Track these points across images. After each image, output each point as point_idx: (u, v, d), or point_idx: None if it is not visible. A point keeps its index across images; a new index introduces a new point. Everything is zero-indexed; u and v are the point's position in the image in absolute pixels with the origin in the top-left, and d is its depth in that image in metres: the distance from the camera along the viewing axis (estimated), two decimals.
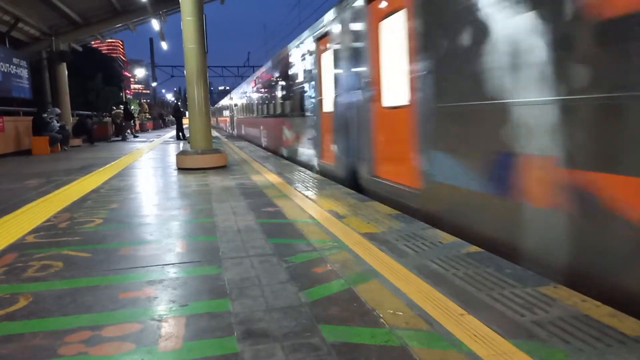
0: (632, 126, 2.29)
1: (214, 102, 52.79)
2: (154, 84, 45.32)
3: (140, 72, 59.33)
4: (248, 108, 19.95)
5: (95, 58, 39.46)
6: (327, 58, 7.66)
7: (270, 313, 2.17)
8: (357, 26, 6.16)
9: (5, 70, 14.53)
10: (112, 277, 2.74)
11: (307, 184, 6.18)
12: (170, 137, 21.87)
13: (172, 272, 2.80)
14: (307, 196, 5.25)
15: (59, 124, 14.68)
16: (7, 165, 10.38)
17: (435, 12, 4.12)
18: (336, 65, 7.14)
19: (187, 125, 10.63)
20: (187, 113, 9.10)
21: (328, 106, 7.69)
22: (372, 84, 5.74)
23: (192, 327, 2.05)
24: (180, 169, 8.26)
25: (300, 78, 9.75)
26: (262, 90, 15.48)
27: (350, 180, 6.47)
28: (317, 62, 8.34)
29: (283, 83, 11.77)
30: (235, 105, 25.71)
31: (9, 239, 3.69)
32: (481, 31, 3.35)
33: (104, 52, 59.24)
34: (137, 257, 3.15)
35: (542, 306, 2.16)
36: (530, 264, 2.88)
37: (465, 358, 1.74)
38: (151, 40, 42.61)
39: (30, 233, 3.88)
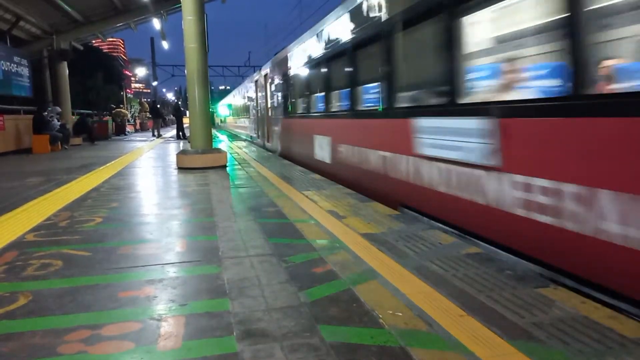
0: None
1: (214, 101, 53.19)
2: (154, 83, 45.20)
3: (141, 71, 59.17)
4: (229, 111, 33.92)
5: (96, 57, 39.46)
6: (257, 90, 16.72)
7: (269, 313, 2.17)
8: (262, 81, 15.15)
9: (6, 69, 14.53)
10: (111, 276, 2.74)
11: (307, 184, 6.18)
12: (170, 137, 21.87)
13: (171, 272, 2.80)
14: (307, 196, 5.25)
15: (59, 123, 14.68)
16: (8, 163, 10.38)
17: (264, 88, 15.04)
18: (259, 95, 16.29)
19: (187, 125, 10.88)
20: (187, 112, 9.19)
21: (257, 113, 17.02)
22: (266, 104, 14.58)
23: (191, 327, 2.05)
24: (180, 169, 8.26)
25: (249, 98, 19.48)
26: (234, 102, 28.50)
27: (263, 146, 14.93)
28: (255, 91, 17.22)
29: (243, 99, 22.80)
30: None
31: (9, 237, 3.69)
32: (268, 96, 14.35)
33: (104, 51, 59.22)
34: (136, 256, 3.16)
35: (541, 308, 2.16)
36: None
37: (464, 359, 1.74)
38: (152, 39, 42.48)
39: (30, 231, 3.88)
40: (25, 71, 16.04)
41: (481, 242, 3.58)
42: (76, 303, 2.35)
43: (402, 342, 1.87)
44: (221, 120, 42.24)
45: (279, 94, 12.18)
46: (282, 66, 11.56)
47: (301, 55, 9.54)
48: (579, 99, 2.72)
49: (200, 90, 8.36)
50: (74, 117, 18.56)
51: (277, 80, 12.43)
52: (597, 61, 2.80)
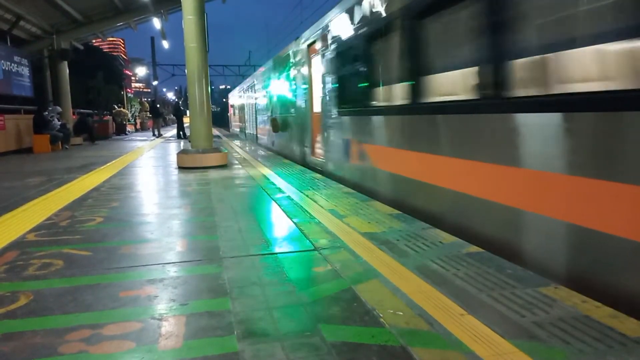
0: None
1: (215, 100, 53.67)
2: (155, 83, 45.14)
3: (141, 71, 59.11)
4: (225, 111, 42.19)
5: (97, 56, 39.40)
6: (241, 96, 25.06)
7: (270, 312, 2.17)
8: (235, 94, 29.58)
9: (7, 69, 14.52)
10: (112, 276, 2.74)
11: (308, 184, 6.18)
12: (170, 136, 21.88)
13: (172, 271, 2.80)
14: (308, 196, 5.25)
15: (60, 122, 14.68)
16: (8, 163, 10.38)
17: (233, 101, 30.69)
18: (240, 99, 25.30)
19: (187, 124, 10.87)
20: (187, 112, 9.19)
21: (241, 113, 26.16)
22: (243, 106, 23.98)
23: (192, 326, 2.05)
24: (181, 168, 8.27)
25: (236, 101, 27.49)
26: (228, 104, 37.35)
27: (248, 137, 21.21)
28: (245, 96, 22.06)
29: (232, 102, 31.62)
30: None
31: (10, 237, 3.70)
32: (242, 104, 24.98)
33: (105, 50, 59.13)
34: (137, 255, 3.16)
35: (542, 307, 2.16)
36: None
37: (465, 358, 1.74)
38: (152, 38, 42.43)
39: (31, 231, 3.88)
40: (25, 71, 16.03)
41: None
42: (77, 303, 2.35)
43: (403, 342, 1.87)
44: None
45: None
46: None
47: None
48: None
49: (201, 89, 8.36)
50: (74, 117, 18.57)
51: None
52: None
